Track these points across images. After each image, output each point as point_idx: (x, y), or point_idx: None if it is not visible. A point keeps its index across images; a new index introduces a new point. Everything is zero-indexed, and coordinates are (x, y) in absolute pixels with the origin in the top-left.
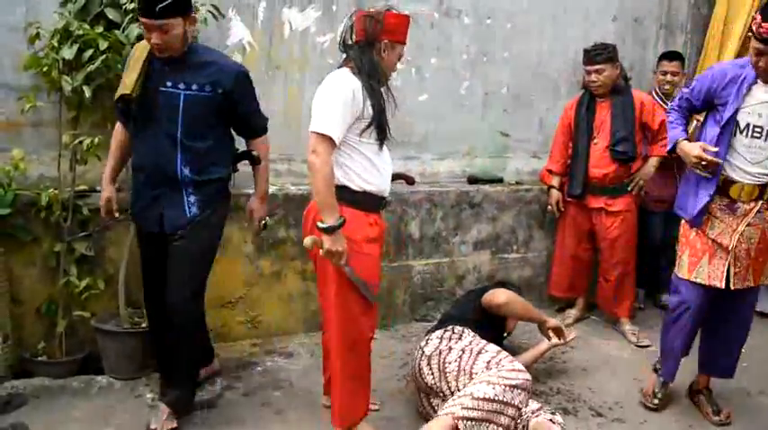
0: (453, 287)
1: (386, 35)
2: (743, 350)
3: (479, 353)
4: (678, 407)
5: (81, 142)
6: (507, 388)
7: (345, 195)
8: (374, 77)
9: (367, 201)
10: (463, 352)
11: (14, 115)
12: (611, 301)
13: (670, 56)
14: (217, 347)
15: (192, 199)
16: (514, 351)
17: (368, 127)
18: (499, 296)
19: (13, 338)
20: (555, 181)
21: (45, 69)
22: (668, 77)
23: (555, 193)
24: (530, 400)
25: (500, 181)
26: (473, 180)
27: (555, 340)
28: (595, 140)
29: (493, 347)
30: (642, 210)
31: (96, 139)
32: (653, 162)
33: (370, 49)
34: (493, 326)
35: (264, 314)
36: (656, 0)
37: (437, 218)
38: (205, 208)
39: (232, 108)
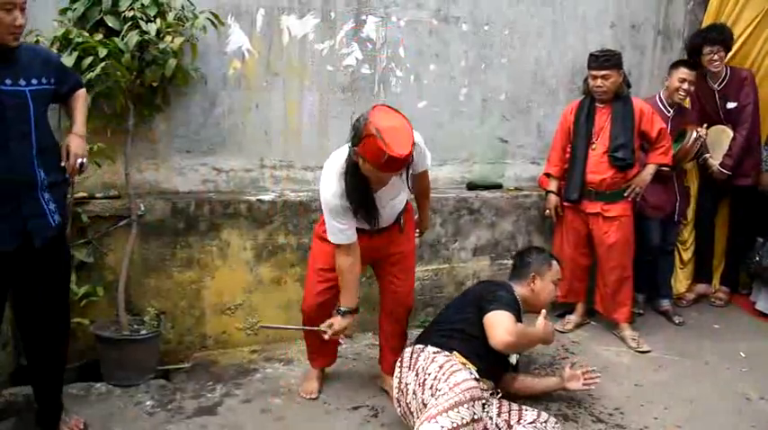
0: (453, 293)
1: (360, 150)
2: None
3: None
4: (681, 413)
5: None
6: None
7: None
8: (353, 179)
9: None
10: (424, 381)
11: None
12: (609, 307)
13: (689, 65)
14: (217, 354)
15: (53, 206)
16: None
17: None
18: (501, 337)
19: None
20: (553, 185)
21: None
22: (686, 86)
23: (553, 198)
24: (528, 411)
25: (499, 187)
26: (472, 186)
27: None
28: (594, 146)
29: (447, 368)
30: (639, 215)
31: (95, 147)
32: (650, 169)
33: (354, 153)
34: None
35: (264, 320)
36: (654, 7)
37: (436, 224)
38: (62, 214)
39: (58, 91)
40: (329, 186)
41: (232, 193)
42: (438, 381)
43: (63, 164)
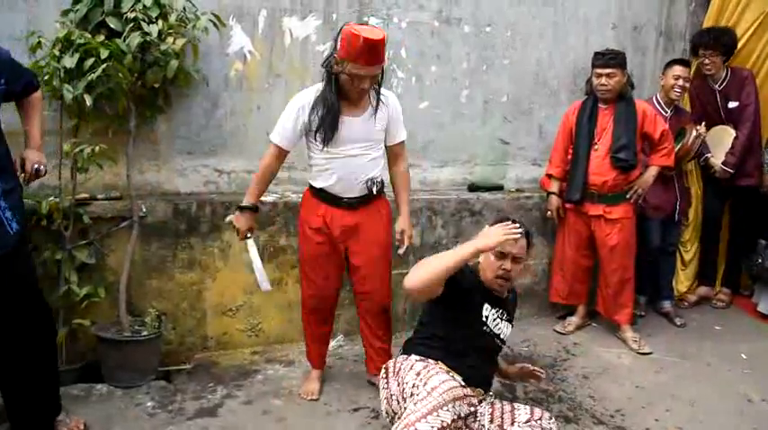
0: None
1: (338, 50)
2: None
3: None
4: (683, 415)
5: (82, 150)
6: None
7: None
8: (327, 85)
9: (321, 195)
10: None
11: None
12: (611, 308)
13: (682, 62)
14: (218, 355)
15: (9, 214)
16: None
17: (315, 132)
18: (406, 281)
19: None
20: (554, 186)
21: (46, 78)
22: (681, 83)
23: (554, 199)
24: (521, 410)
25: (500, 188)
26: (473, 188)
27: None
28: (596, 147)
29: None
30: (640, 216)
31: (97, 148)
32: (652, 171)
33: (332, 60)
34: (443, 316)
35: (265, 322)
36: (656, 8)
37: (437, 226)
38: (20, 221)
39: (11, 90)
40: (302, 93)
41: (233, 195)
42: (416, 388)
43: (20, 174)
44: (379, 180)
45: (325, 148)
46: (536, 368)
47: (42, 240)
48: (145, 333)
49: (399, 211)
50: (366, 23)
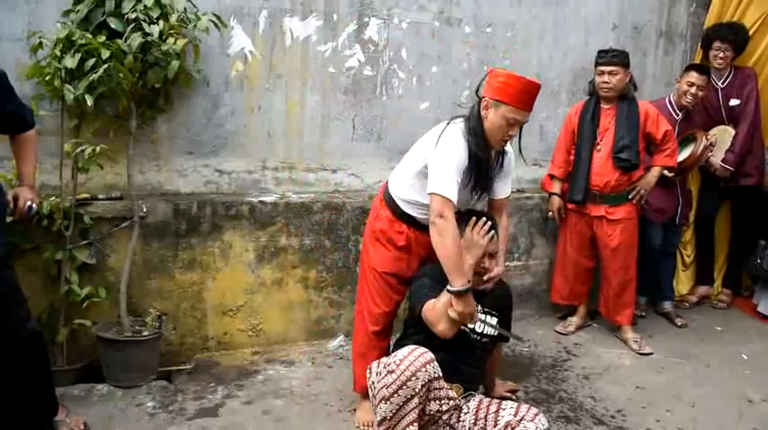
0: None
1: (487, 92)
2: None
3: None
4: (683, 415)
5: (83, 151)
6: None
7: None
8: (475, 136)
9: (404, 217)
10: None
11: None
12: (612, 309)
13: (700, 69)
14: (218, 355)
15: None
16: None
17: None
18: (436, 327)
19: None
20: (556, 187)
21: (47, 78)
22: (694, 90)
23: (556, 200)
24: (506, 411)
25: None
26: None
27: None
28: (599, 147)
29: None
30: (642, 218)
31: (98, 148)
32: (654, 172)
33: (478, 105)
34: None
35: (266, 322)
36: (656, 8)
37: None
38: (1, 240)
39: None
40: (456, 140)
41: (234, 195)
42: (388, 360)
43: (12, 209)
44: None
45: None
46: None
47: (43, 240)
48: (145, 333)
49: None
50: None
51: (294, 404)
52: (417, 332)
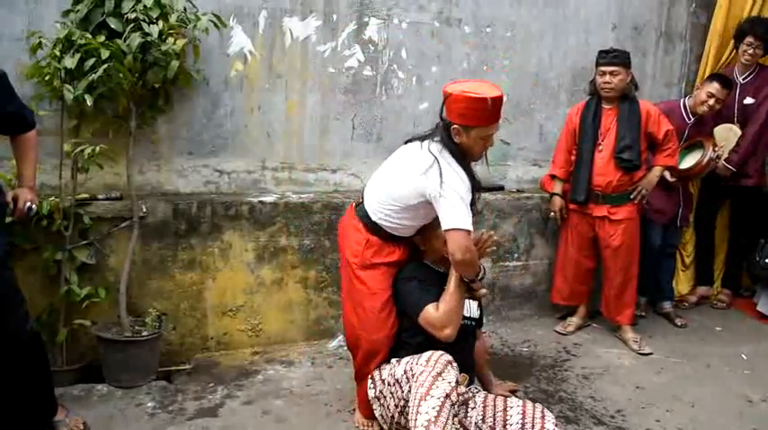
0: None
1: (454, 118)
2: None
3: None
4: (683, 415)
5: (82, 151)
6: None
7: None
8: (463, 160)
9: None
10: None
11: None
12: (613, 309)
13: (725, 83)
14: (218, 355)
15: None
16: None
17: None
18: (442, 335)
19: None
20: (558, 187)
21: (47, 78)
22: (711, 102)
23: (558, 200)
24: (513, 409)
25: (501, 189)
26: None
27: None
28: (600, 147)
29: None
30: (642, 219)
31: (98, 148)
32: (656, 171)
33: (447, 132)
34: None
35: (265, 322)
36: (656, 9)
37: None
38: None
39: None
40: (457, 172)
41: (234, 195)
42: (411, 366)
43: (12, 210)
44: None
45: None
46: (510, 388)
47: (43, 240)
48: (145, 333)
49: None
50: (462, 83)
51: (294, 404)
52: (414, 335)
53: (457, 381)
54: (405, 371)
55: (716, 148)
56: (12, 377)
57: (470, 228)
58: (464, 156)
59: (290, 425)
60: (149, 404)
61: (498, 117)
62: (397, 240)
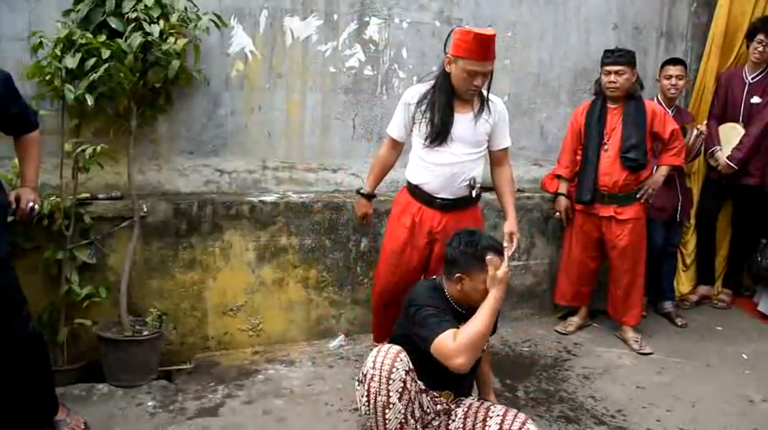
0: None
1: (450, 50)
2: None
3: None
4: (684, 415)
5: (83, 150)
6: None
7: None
8: (439, 87)
9: (416, 193)
10: None
11: None
12: (620, 310)
13: (673, 61)
14: (219, 355)
15: None
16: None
17: (426, 127)
18: (454, 364)
19: None
20: (563, 187)
21: (48, 78)
22: (673, 81)
23: (563, 200)
24: (492, 419)
25: None
26: None
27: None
28: (606, 147)
29: None
30: None
31: (98, 148)
32: (662, 171)
33: (445, 60)
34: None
35: (266, 322)
36: (657, 8)
37: None
38: (2, 242)
39: (2, 112)
40: (415, 87)
41: (234, 195)
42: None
43: (14, 210)
44: (479, 183)
45: (430, 144)
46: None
47: (43, 240)
48: (146, 333)
49: (506, 214)
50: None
51: (294, 404)
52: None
53: (407, 370)
54: (362, 374)
55: (698, 126)
56: (13, 377)
57: (387, 131)
58: (452, 89)
59: (291, 424)
60: (150, 403)
61: (483, 57)
62: (419, 198)
